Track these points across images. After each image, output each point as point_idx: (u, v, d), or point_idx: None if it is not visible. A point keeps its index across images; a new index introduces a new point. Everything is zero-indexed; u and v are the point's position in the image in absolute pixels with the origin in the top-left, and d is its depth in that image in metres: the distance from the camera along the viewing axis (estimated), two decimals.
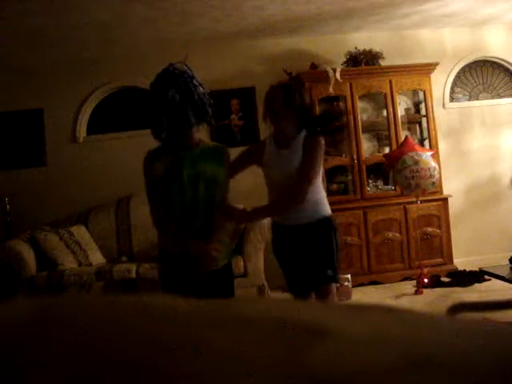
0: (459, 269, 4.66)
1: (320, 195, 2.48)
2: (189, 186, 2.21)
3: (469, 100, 5.27)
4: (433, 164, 4.09)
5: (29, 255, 4.10)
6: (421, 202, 4.33)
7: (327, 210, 2.50)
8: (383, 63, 4.86)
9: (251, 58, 5.04)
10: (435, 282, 4.36)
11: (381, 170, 4.92)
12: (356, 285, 4.42)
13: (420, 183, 4.03)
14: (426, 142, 4.91)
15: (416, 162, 4.03)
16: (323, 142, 2.42)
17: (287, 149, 2.40)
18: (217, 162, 2.28)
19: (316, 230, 2.45)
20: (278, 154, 2.43)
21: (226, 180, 2.35)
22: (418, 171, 4.01)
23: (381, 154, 4.76)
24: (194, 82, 2.36)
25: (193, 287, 2.22)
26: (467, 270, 4.60)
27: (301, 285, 2.51)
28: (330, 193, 4.77)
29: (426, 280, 4.26)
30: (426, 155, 4.13)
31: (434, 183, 4.12)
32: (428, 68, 4.82)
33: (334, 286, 2.50)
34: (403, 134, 4.77)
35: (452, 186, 5.01)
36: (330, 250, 2.45)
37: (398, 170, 4.13)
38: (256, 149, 2.59)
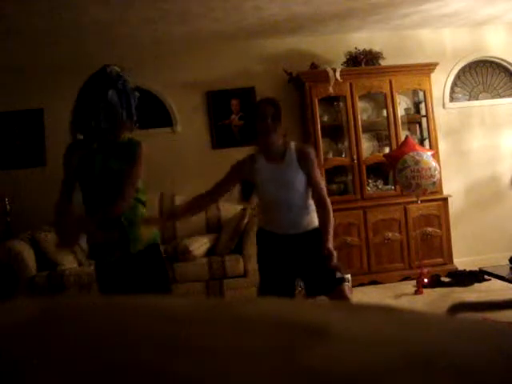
0: (459, 269, 4.66)
1: (313, 205, 2.56)
2: (100, 180, 2.29)
3: (469, 100, 5.27)
4: (433, 164, 4.09)
5: (29, 255, 4.09)
6: (421, 201, 4.33)
7: (316, 220, 2.58)
8: (383, 63, 4.86)
9: (251, 58, 5.04)
10: (435, 282, 4.36)
11: (381, 170, 4.92)
12: (356, 285, 4.42)
13: (421, 183, 4.03)
14: (426, 142, 4.91)
15: (417, 162, 4.03)
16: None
17: (281, 162, 2.49)
18: (126, 159, 2.31)
19: (315, 238, 2.50)
20: (270, 169, 2.50)
21: (133, 176, 2.31)
22: (418, 171, 4.01)
23: (381, 154, 4.76)
24: (129, 85, 2.44)
25: (121, 273, 2.38)
26: (467, 269, 4.60)
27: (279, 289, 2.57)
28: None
29: (425, 280, 4.26)
30: (427, 155, 4.13)
31: (434, 183, 4.12)
32: (428, 68, 4.82)
33: (345, 285, 2.63)
34: (403, 133, 4.77)
35: (452, 185, 5.01)
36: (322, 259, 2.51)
37: (398, 170, 4.13)
38: (243, 166, 2.59)
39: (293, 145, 2.53)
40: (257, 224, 2.84)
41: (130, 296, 0.38)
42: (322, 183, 2.55)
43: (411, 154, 4.07)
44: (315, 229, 2.53)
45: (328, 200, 2.50)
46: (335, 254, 2.40)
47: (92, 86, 2.38)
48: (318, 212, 2.51)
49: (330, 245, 2.38)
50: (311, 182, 2.49)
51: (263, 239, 2.66)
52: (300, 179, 2.48)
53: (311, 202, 2.54)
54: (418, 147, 4.26)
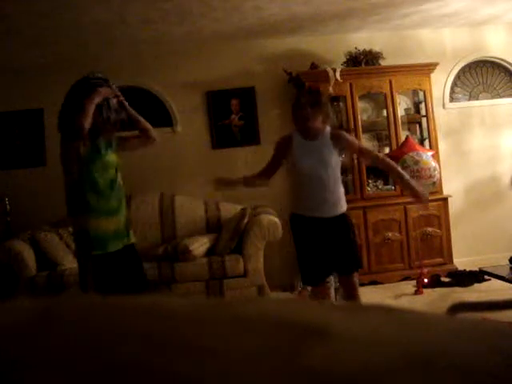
0: (459, 269, 4.66)
1: (343, 191, 2.82)
2: (102, 170, 2.63)
3: (469, 100, 5.27)
4: (433, 164, 4.09)
5: (29, 255, 4.09)
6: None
7: (345, 205, 2.84)
8: (383, 63, 4.86)
9: (251, 57, 5.04)
10: (435, 282, 4.36)
11: (381, 170, 4.91)
12: None
13: (420, 183, 4.03)
14: (426, 142, 4.91)
15: (416, 162, 4.03)
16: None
17: (316, 140, 2.70)
18: (114, 150, 2.72)
19: (344, 222, 2.79)
20: (307, 145, 2.70)
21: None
22: (418, 171, 4.01)
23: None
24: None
25: (120, 264, 2.67)
26: (467, 269, 4.60)
27: (322, 272, 2.79)
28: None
29: (425, 280, 4.26)
30: (427, 155, 4.13)
31: (434, 183, 4.12)
32: (428, 68, 4.81)
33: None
34: (403, 134, 4.77)
35: (452, 185, 5.01)
36: (351, 241, 2.83)
37: None
38: (284, 142, 2.78)
39: (328, 128, 2.74)
40: (289, 208, 2.96)
41: (130, 296, 0.38)
42: (371, 148, 2.98)
43: (411, 154, 4.08)
44: (343, 214, 2.78)
45: (381, 156, 2.90)
46: (425, 195, 2.74)
47: (84, 91, 2.64)
48: (381, 167, 2.89)
49: (413, 183, 2.76)
50: (359, 153, 2.89)
51: (297, 223, 2.82)
52: (334, 159, 2.70)
53: (342, 188, 2.79)
54: (418, 147, 4.26)
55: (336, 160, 2.72)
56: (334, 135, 2.73)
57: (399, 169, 2.85)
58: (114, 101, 2.69)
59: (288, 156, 2.74)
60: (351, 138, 2.80)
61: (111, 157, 2.71)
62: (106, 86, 2.69)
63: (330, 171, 2.69)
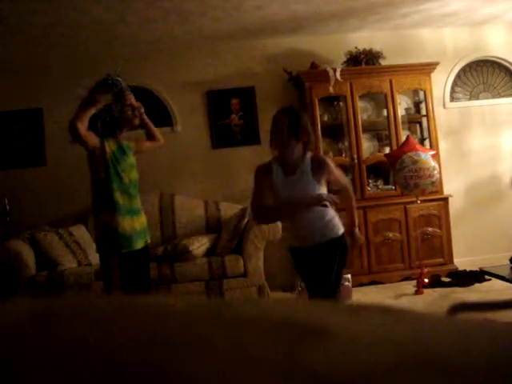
0: (459, 269, 4.66)
1: (332, 213, 2.55)
2: (128, 170, 2.75)
3: (469, 100, 5.27)
4: (432, 164, 4.08)
5: (29, 255, 4.09)
6: (421, 201, 4.33)
7: (340, 228, 2.58)
8: (383, 63, 4.86)
9: (251, 57, 5.04)
10: (435, 282, 4.36)
11: (381, 170, 4.92)
12: (356, 285, 4.42)
13: (419, 183, 4.03)
14: (427, 142, 4.91)
15: (415, 162, 4.02)
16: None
17: (294, 175, 2.48)
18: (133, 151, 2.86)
19: (335, 247, 2.55)
20: (285, 181, 2.50)
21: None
22: (416, 171, 4.01)
23: (381, 154, 4.76)
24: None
25: (141, 263, 2.79)
26: (467, 269, 4.60)
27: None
28: (329, 193, 4.77)
29: (426, 280, 4.26)
30: (426, 155, 4.12)
31: (433, 183, 4.11)
32: (428, 68, 4.82)
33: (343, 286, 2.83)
34: (403, 133, 4.77)
35: (452, 185, 5.01)
36: (333, 268, 2.56)
37: (397, 170, 4.13)
38: (263, 171, 2.58)
39: (309, 155, 2.51)
40: (286, 241, 2.85)
41: (130, 295, 0.38)
42: (345, 178, 2.73)
43: (409, 153, 4.07)
44: (335, 238, 2.53)
45: (350, 188, 2.74)
46: (360, 238, 2.70)
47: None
48: (342, 200, 2.63)
49: (356, 229, 2.67)
50: (337, 184, 2.64)
51: (295, 255, 2.67)
52: (317, 187, 2.46)
53: (330, 211, 2.51)
54: (418, 147, 4.25)
55: (314, 188, 2.46)
56: (314, 164, 2.47)
57: (354, 210, 2.73)
58: (129, 103, 2.74)
59: (270, 185, 2.53)
60: (332, 165, 2.52)
61: (132, 158, 2.82)
62: (116, 92, 2.74)
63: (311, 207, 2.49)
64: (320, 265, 2.52)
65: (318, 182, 2.45)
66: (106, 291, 2.78)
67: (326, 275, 2.51)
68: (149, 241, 2.92)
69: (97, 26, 4.17)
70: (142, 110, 2.87)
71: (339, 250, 2.53)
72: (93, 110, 2.59)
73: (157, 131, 3.08)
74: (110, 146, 2.67)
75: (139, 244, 2.76)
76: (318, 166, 2.46)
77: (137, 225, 2.74)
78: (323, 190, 2.50)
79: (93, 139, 2.63)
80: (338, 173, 2.61)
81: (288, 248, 2.71)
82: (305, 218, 2.49)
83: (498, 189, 5.24)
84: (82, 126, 2.52)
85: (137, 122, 2.82)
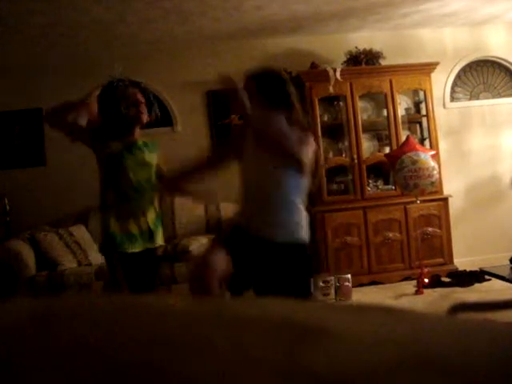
0: (459, 269, 4.66)
1: (301, 211, 2.08)
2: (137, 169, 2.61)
3: (469, 100, 5.27)
4: (431, 164, 4.08)
5: (29, 255, 4.09)
6: (421, 201, 4.33)
7: (306, 234, 2.08)
8: (383, 63, 4.85)
9: (251, 57, 5.04)
10: (435, 282, 4.36)
11: (381, 170, 4.92)
12: (356, 285, 4.42)
13: (418, 183, 4.03)
14: (427, 142, 4.91)
15: (414, 162, 4.02)
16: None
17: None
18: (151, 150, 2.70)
19: (294, 256, 2.04)
20: (256, 150, 2.07)
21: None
22: (416, 171, 4.01)
23: (381, 154, 4.77)
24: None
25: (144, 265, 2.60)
26: (467, 270, 4.59)
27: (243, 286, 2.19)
28: (329, 193, 4.78)
29: (426, 280, 4.26)
30: (425, 155, 4.12)
31: (432, 183, 4.11)
32: (428, 67, 4.81)
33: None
34: (403, 133, 4.77)
35: (452, 185, 5.01)
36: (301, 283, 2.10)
37: (396, 170, 4.13)
38: (239, 132, 2.21)
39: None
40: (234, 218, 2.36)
41: (130, 295, 0.38)
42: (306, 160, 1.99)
43: (409, 154, 4.07)
44: (297, 244, 2.05)
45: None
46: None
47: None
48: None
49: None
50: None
51: (236, 236, 2.13)
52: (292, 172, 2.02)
53: (300, 207, 2.07)
54: (418, 147, 4.25)
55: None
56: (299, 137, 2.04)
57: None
58: (135, 99, 2.63)
59: (239, 151, 2.15)
60: (313, 141, 2.08)
61: (146, 157, 2.65)
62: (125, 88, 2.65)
63: (284, 186, 2.04)
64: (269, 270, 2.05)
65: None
66: (109, 289, 2.72)
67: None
68: (155, 245, 2.67)
69: (97, 26, 4.17)
70: (156, 109, 2.74)
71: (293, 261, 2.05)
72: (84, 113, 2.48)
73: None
74: (112, 146, 2.54)
75: (133, 247, 2.54)
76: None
77: (132, 228, 2.55)
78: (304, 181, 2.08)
79: (85, 134, 2.50)
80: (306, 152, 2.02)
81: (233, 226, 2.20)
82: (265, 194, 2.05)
83: (498, 189, 5.24)
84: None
85: (145, 119, 2.65)
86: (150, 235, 2.65)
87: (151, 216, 2.66)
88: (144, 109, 2.64)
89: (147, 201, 2.66)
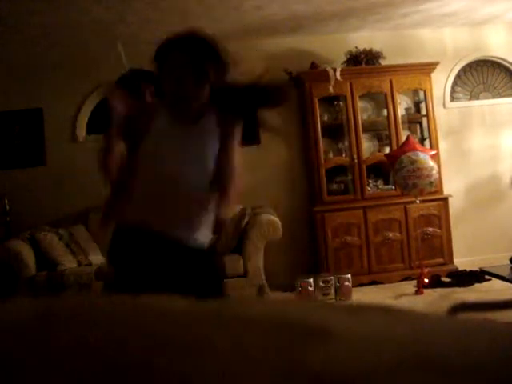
0: (460, 269, 4.66)
1: (212, 214, 1.73)
2: None
3: (469, 100, 5.27)
4: (430, 164, 4.07)
5: (28, 255, 4.09)
6: (421, 201, 4.32)
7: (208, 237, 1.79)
8: (383, 63, 4.85)
9: (251, 57, 5.04)
10: (436, 282, 4.36)
11: (381, 170, 4.91)
12: (356, 285, 4.42)
13: (417, 183, 4.02)
14: (427, 142, 4.91)
15: (413, 162, 4.02)
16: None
17: (194, 125, 1.72)
18: None
19: (203, 261, 1.77)
20: (177, 129, 1.71)
21: None
22: (414, 171, 4.00)
23: (381, 154, 4.77)
24: None
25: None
26: (468, 269, 4.59)
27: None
28: (330, 193, 4.78)
29: (426, 280, 4.26)
30: (424, 155, 4.12)
31: (431, 183, 4.11)
32: (428, 67, 4.81)
33: None
34: (403, 133, 4.77)
35: (452, 185, 5.01)
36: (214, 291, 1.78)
37: (395, 170, 4.13)
38: (141, 110, 1.84)
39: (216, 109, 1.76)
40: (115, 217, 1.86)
41: (131, 296, 0.38)
42: (238, 162, 1.78)
43: (408, 153, 4.07)
44: (204, 249, 1.76)
45: (233, 178, 1.73)
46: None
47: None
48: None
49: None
50: (219, 160, 1.71)
51: (124, 241, 1.74)
52: (212, 152, 1.72)
53: (213, 207, 1.73)
54: (418, 147, 4.25)
55: (214, 153, 1.71)
56: (224, 121, 1.74)
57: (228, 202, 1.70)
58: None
59: (139, 134, 1.69)
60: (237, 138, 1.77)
61: None
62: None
63: (204, 170, 1.69)
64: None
65: (218, 143, 1.72)
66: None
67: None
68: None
69: (97, 26, 4.17)
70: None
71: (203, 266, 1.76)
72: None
73: None
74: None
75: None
76: (228, 123, 1.73)
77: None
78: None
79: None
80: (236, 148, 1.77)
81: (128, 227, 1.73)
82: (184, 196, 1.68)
83: (498, 189, 5.24)
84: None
85: None
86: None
87: None
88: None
89: None
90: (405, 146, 4.20)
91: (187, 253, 1.71)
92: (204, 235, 1.75)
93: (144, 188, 1.69)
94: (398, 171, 4.08)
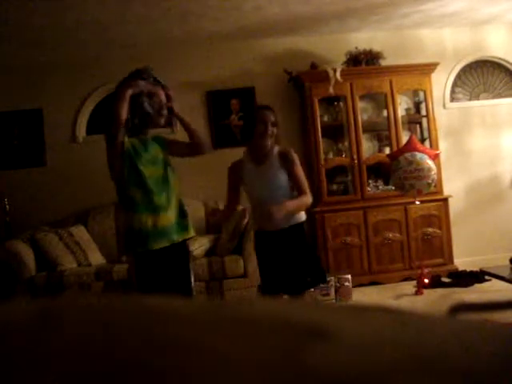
0: (460, 269, 4.66)
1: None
2: (150, 165, 2.58)
3: (469, 100, 5.28)
4: (428, 165, 4.05)
5: (28, 255, 4.10)
6: (421, 202, 4.32)
7: (303, 215, 2.78)
8: (383, 63, 4.86)
9: (251, 57, 5.04)
10: (436, 283, 4.36)
11: (381, 170, 4.92)
12: (356, 285, 4.42)
13: (414, 184, 4.01)
14: (427, 142, 4.91)
15: (410, 163, 4.01)
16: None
17: (264, 164, 2.72)
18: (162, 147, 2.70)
19: (299, 233, 2.75)
20: (256, 169, 2.73)
21: None
22: (411, 172, 3.99)
23: (381, 154, 4.77)
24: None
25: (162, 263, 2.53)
26: (468, 270, 4.60)
27: (278, 287, 2.74)
28: (330, 193, 4.78)
29: (426, 280, 4.26)
30: (422, 155, 4.10)
31: (429, 184, 4.09)
32: (428, 68, 4.82)
33: (309, 292, 2.93)
34: (404, 133, 4.77)
35: (452, 186, 5.01)
36: (308, 252, 2.80)
37: (392, 171, 4.13)
38: (235, 167, 2.82)
39: (276, 148, 2.75)
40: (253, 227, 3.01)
41: (132, 296, 0.38)
42: (305, 180, 2.73)
43: (405, 154, 4.06)
44: (300, 223, 2.75)
45: (309, 192, 2.70)
46: (277, 213, 2.49)
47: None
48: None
49: (283, 208, 2.52)
50: (293, 179, 2.70)
51: (259, 240, 2.85)
52: (282, 177, 2.69)
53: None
54: (419, 147, 4.23)
55: (283, 176, 2.69)
56: (281, 155, 2.72)
57: (299, 202, 2.69)
58: (159, 100, 2.59)
59: (241, 182, 2.79)
60: (296, 158, 2.73)
61: (158, 152, 2.61)
62: (151, 84, 2.62)
63: (278, 188, 2.68)
64: (287, 249, 2.72)
65: (283, 169, 2.69)
66: (131, 289, 2.63)
67: (296, 260, 2.71)
68: (184, 237, 2.64)
69: (96, 26, 4.18)
70: (173, 107, 2.69)
71: (302, 234, 2.77)
72: (125, 103, 2.45)
73: (203, 143, 2.81)
74: (130, 141, 2.49)
75: (160, 244, 2.49)
76: (285, 157, 2.71)
77: (158, 222, 2.50)
78: (285, 179, 2.71)
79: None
80: (299, 169, 2.73)
81: (255, 231, 2.90)
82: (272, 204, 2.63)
83: (499, 189, 5.25)
84: (123, 112, 2.39)
85: (162, 122, 2.63)
86: (183, 226, 2.63)
87: (174, 211, 2.61)
88: (166, 112, 2.61)
89: (170, 193, 2.59)
90: (407, 146, 4.19)
91: (287, 231, 2.72)
92: (293, 217, 2.72)
93: (254, 206, 2.83)
94: (395, 172, 4.07)
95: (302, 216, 2.77)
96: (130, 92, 2.48)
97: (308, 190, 2.71)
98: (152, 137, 2.67)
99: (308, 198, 2.69)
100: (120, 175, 2.49)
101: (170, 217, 2.57)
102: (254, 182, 2.74)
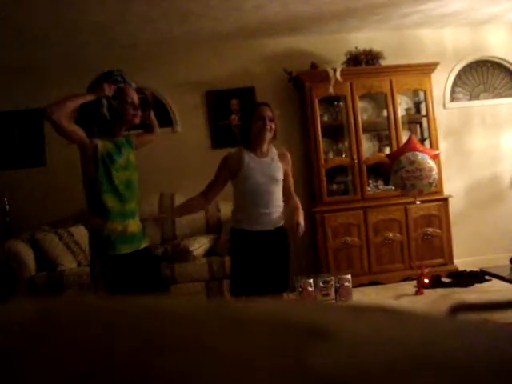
0: (460, 269, 4.66)
1: (282, 205, 2.85)
2: (122, 170, 2.54)
3: (469, 100, 5.28)
4: (429, 164, 4.05)
5: (28, 255, 4.10)
6: (421, 202, 4.32)
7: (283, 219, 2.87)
8: (384, 63, 4.86)
9: (251, 57, 5.04)
10: (436, 283, 4.36)
11: (381, 171, 4.92)
12: (356, 285, 4.42)
13: (415, 184, 4.01)
14: (427, 142, 4.91)
15: (411, 163, 4.01)
16: None
17: (266, 157, 2.81)
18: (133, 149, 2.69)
19: (279, 237, 2.81)
20: (259, 160, 2.79)
21: None
22: (413, 172, 3.99)
23: (381, 154, 4.77)
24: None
25: (130, 268, 2.52)
26: (468, 270, 4.60)
27: (252, 288, 2.72)
28: (330, 193, 4.78)
29: (426, 280, 4.26)
30: (423, 155, 4.10)
31: (430, 184, 4.09)
32: (428, 68, 4.82)
33: (286, 294, 2.95)
34: (404, 133, 4.77)
35: (452, 186, 5.01)
36: (288, 258, 2.87)
37: (394, 171, 4.13)
38: (229, 159, 2.83)
39: (274, 149, 2.87)
40: (230, 224, 2.98)
41: (130, 295, 0.38)
42: (292, 183, 2.95)
43: (407, 154, 4.06)
44: (282, 227, 2.83)
45: (293, 194, 2.93)
46: (303, 228, 2.72)
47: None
48: (288, 202, 2.88)
49: (302, 220, 2.73)
50: (287, 180, 2.86)
51: (238, 239, 2.83)
52: (280, 173, 2.80)
53: (282, 202, 2.84)
54: (419, 147, 4.23)
55: (281, 174, 2.82)
56: (280, 155, 2.85)
57: (300, 209, 2.85)
58: (131, 101, 2.57)
59: (238, 173, 2.75)
60: (290, 160, 2.91)
61: (130, 154, 2.60)
62: (127, 85, 2.61)
63: (277, 185, 2.78)
64: (271, 250, 2.78)
65: (282, 169, 2.82)
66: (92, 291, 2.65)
67: (281, 261, 2.80)
68: (145, 245, 2.63)
69: (96, 26, 4.18)
70: (151, 111, 2.78)
71: (285, 237, 2.86)
72: (80, 101, 2.42)
73: (156, 124, 2.96)
74: (104, 145, 2.45)
75: (126, 249, 2.47)
76: (284, 157, 2.86)
77: (129, 229, 2.49)
78: (282, 177, 2.84)
79: (79, 133, 2.41)
80: (292, 173, 2.93)
81: (232, 229, 2.86)
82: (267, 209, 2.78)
83: (499, 189, 5.25)
84: (62, 114, 2.39)
85: (137, 121, 2.60)
86: (144, 233, 2.66)
87: (138, 215, 2.62)
88: (139, 112, 2.59)
89: (136, 199, 2.60)
90: (406, 146, 4.19)
91: (270, 234, 2.77)
92: (281, 219, 2.83)
93: (244, 200, 2.79)
94: (397, 172, 4.07)
95: (282, 220, 2.86)
96: (91, 98, 2.48)
97: (293, 191, 2.93)
98: (125, 137, 2.64)
99: (293, 198, 2.90)
100: (93, 181, 2.46)
101: (138, 222, 2.59)
102: (254, 170, 2.74)
